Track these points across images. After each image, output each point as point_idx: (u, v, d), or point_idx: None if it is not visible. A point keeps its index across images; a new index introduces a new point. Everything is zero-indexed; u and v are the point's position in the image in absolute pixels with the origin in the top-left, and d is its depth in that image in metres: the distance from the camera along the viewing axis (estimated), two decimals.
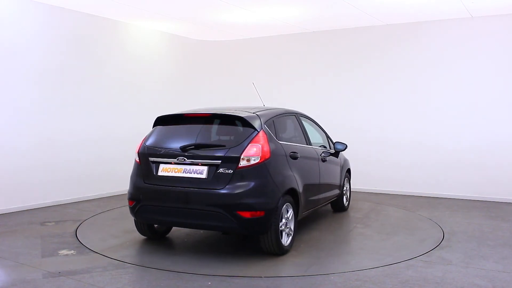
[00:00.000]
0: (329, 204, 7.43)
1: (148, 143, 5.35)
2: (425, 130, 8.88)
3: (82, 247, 5.43)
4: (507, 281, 4.36)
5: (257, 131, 4.98)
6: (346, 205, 7.62)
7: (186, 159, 4.95)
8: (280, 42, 10.34)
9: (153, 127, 5.59)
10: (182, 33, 10.33)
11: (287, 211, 5.18)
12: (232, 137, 5.05)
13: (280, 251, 5.05)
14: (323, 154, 6.54)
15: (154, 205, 5.13)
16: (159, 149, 5.19)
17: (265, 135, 5.01)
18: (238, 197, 4.73)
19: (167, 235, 6.02)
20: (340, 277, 4.46)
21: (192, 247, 5.53)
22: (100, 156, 8.53)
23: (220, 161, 4.83)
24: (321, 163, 6.31)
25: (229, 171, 4.78)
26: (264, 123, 5.15)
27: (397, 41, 9.18)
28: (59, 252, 5.22)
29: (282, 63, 10.35)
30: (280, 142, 5.32)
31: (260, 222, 4.80)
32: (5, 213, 7.12)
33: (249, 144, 4.86)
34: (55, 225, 6.52)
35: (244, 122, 5.05)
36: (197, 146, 5.01)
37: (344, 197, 7.53)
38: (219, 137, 5.23)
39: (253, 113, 5.26)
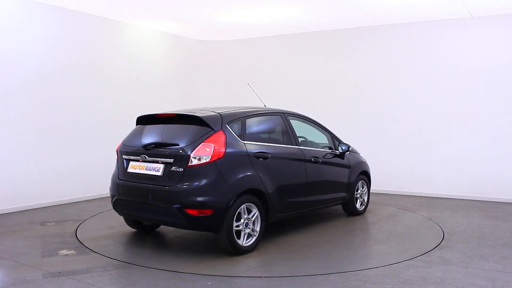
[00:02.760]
0: (342, 208, 7.23)
1: (124, 141, 5.71)
2: (425, 129, 8.88)
3: (82, 247, 5.43)
4: (507, 281, 4.36)
5: (214, 130, 5.08)
6: (361, 209, 7.26)
7: (147, 157, 5.22)
8: (280, 42, 10.34)
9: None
10: (182, 33, 10.33)
11: (249, 212, 5.20)
12: (189, 136, 5.14)
13: (236, 251, 5.07)
14: (326, 155, 6.47)
15: (124, 200, 5.48)
16: (130, 147, 5.52)
17: (222, 135, 5.09)
18: (185, 194, 4.87)
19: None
20: (340, 277, 4.46)
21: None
22: (100, 156, 8.51)
23: (173, 160, 5.01)
24: (310, 164, 6.11)
25: (180, 169, 4.95)
26: (227, 123, 5.23)
27: (397, 41, 9.18)
28: (59, 252, 5.22)
29: (282, 63, 10.35)
30: (246, 142, 5.32)
31: (208, 220, 4.90)
32: (5, 213, 7.13)
33: (202, 144, 4.97)
34: (55, 225, 6.52)
35: (202, 122, 5.18)
36: (157, 145, 5.25)
37: (359, 200, 7.20)
38: (179, 136, 5.28)
39: (218, 113, 5.36)
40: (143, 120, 5.78)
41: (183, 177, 4.92)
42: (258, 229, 5.28)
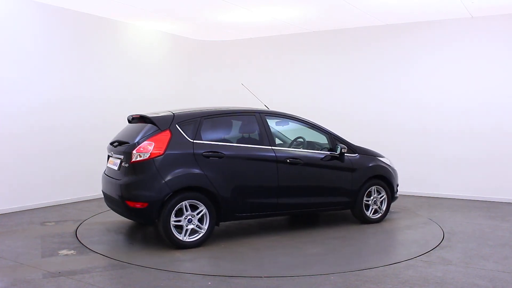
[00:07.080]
0: (352, 214, 6.77)
1: (111, 140, 6.13)
2: (425, 129, 8.88)
3: (82, 247, 5.44)
4: (507, 281, 4.36)
5: (160, 130, 5.43)
6: (374, 217, 6.63)
7: (113, 153, 5.81)
8: (281, 42, 10.34)
9: None
10: (182, 33, 10.32)
11: (194, 208, 5.39)
12: (139, 135, 5.52)
13: (174, 244, 5.31)
14: (323, 157, 6.26)
15: (104, 192, 6.02)
16: (110, 145, 6.02)
17: (167, 135, 5.41)
18: (125, 188, 5.37)
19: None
20: (340, 277, 4.47)
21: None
22: (100, 157, 8.47)
23: (123, 156, 5.51)
24: (284, 165, 5.89)
25: (126, 165, 5.43)
26: (177, 123, 5.53)
27: (397, 41, 9.17)
28: (59, 252, 5.23)
29: (282, 63, 10.34)
30: (197, 141, 5.51)
31: (144, 212, 5.29)
32: (5, 213, 7.13)
33: (145, 141, 5.36)
34: (55, 225, 6.53)
35: (151, 121, 5.58)
36: (119, 143, 5.73)
37: (371, 207, 6.61)
38: (134, 135, 5.63)
39: (172, 113, 5.69)
40: (129, 120, 6.23)
41: (128, 172, 5.40)
42: (206, 227, 5.44)
